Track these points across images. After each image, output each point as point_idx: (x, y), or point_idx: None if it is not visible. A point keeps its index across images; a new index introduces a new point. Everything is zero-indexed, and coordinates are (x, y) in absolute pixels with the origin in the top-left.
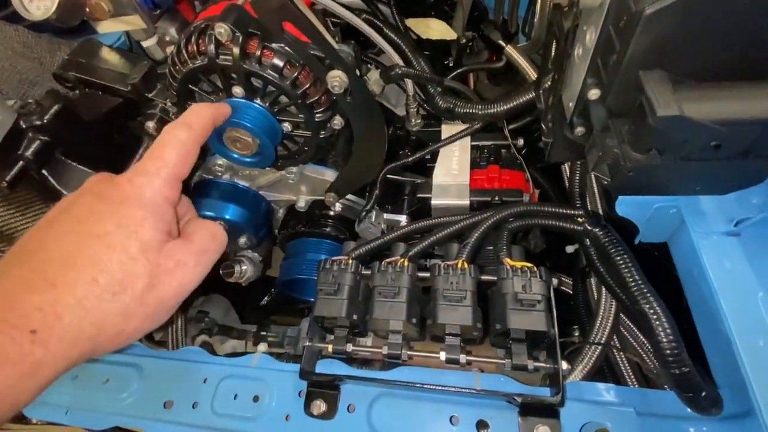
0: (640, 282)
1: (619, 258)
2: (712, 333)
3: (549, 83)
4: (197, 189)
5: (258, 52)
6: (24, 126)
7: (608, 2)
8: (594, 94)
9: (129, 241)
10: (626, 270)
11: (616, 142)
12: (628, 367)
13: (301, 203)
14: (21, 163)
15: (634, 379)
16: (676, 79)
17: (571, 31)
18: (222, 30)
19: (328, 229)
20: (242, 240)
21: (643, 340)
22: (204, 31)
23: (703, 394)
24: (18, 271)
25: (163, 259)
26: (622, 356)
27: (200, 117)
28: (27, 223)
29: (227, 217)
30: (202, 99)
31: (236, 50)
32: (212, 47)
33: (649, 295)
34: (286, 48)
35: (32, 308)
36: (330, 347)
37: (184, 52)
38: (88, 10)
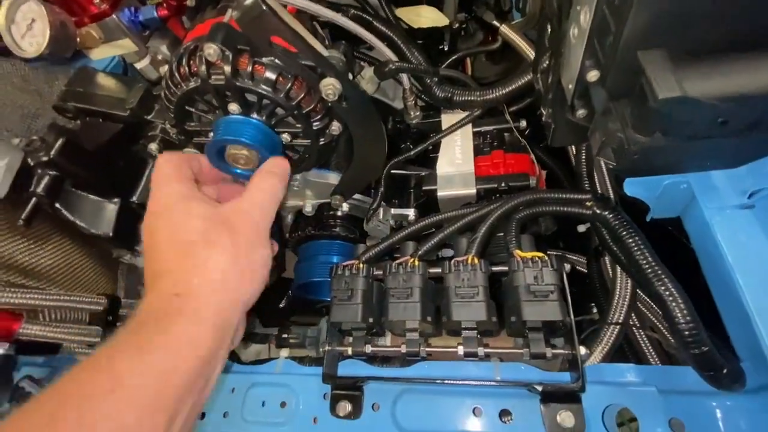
0: (653, 263)
1: (630, 240)
2: (731, 307)
3: (546, 65)
4: None
5: (249, 68)
6: (32, 163)
7: None
8: (593, 75)
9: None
10: (638, 252)
11: (619, 126)
12: (648, 345)
13: (308, 208)
14: (34, 199)
15: (655, 357)
16: (676, 56)
17: (564, 11)
18: (211, 50)
19: (337, 230)
20: None
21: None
22: (194, 52)
23: (725, 371)
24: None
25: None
26: (642, 334)
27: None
28: (48, 256)
29: None
30: (199, 119)
31: (227, 68)
32: (203, 68)
33: (663, 276)
34: (277, 61)
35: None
36: (349, 350)
37: (176, 75)
38: (79, 40)
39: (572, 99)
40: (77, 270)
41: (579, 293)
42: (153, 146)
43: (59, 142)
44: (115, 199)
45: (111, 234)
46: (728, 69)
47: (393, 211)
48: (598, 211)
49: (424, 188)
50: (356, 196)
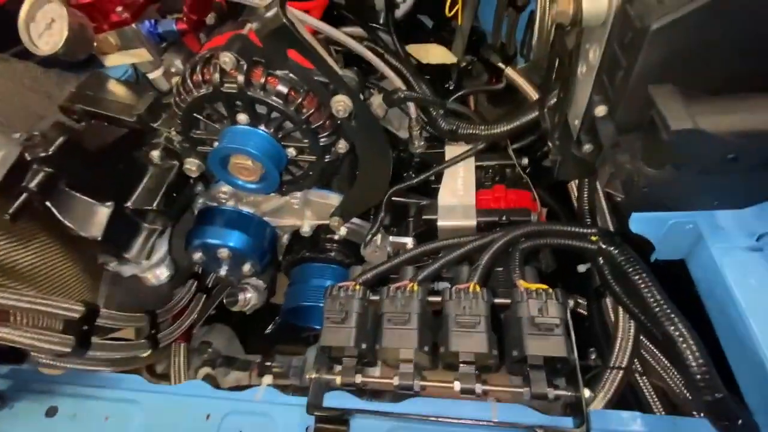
0: (662, 303)
1: (638, 277)
2: (743, 355)
3: (553, 102)
4: (201, 216)
5: (262, 80)
6: (29, 158)
7: (611, 20)
8: (601, 110)
9: None
10: (647, 290)
11: (629, 158)
12: (653, 393)
13: (306, 228)
14: (25, 195)
15: (660, 406)
16: (688, 93)
17: (574, 50)
18: (227, 59)
19: (333, 254)
20: (246, 267)
21: (667, 363)
22: (209, 61)
23: (740, 422)
24: None
25: None
26: (646, 381)
27: None
28: (30, 255)
29: (231, 244)
30: (206, 127)
31: (241, 78)
32: (217, 75)
33: (674, 316)
34: (290, 75)
35: None
36: (338, 379)
37: (189, 81)
38: (96, 44)
39: (578, 134)
40: (58, 273)
41: (578, 338)
42: (155, 153)
43: (60, 139)
44: (109, 203)
45: (100, 237)
46: (740, 106)
47: (391, 238)
48: (603, 246)
49: (424, 217)
50: (355, 220)
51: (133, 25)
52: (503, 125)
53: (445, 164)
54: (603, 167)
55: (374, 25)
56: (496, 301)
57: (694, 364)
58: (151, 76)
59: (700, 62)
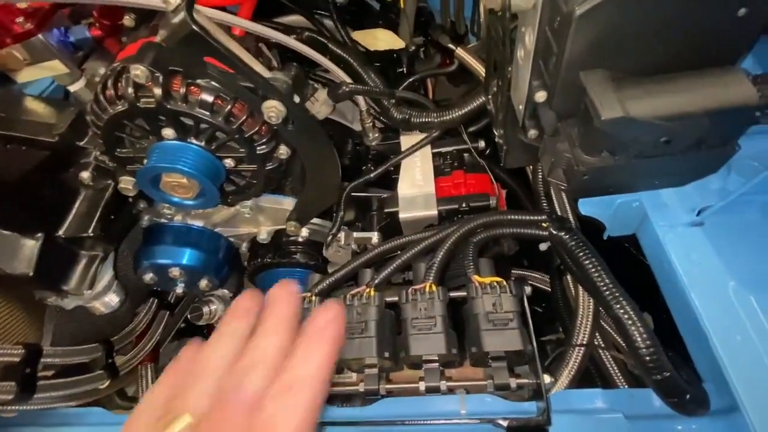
0: (611, 286)
1: (587, 262)
2: (690, 328)
3: (496, 87)
4: (148, 235)
5: (182, 90)
6: None
7: (540, 4)
8: (540, 96)
9: None
10: (596, 274)
11: (568, 146)
12: (614, 366)
13: (263, 235)
14: None
15: (622, 378)
16: (618, 77)
17: (508, 35)
18: (139, 72)
19: (297, 257)
20: (203, 283)
21: None
22: (121, 74)
23: (688, 396)
24: None
25: None
26: (608, 355)
27: (325, 359)
28: None
29: (183, 262)
30: (132, 144)
31: (158, 91)
32: (130, 90)
33: (621, 299)
34: (213, 83)
35: None
36: None
37: (102, 98)
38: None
39: (523, 120)
40: None
41: (545, 313)
42: (85, 174)
43: None
44: (38, 234)
45: (31, 274)
46: (668, 88)
47: (355, 234)
48: (554, 232)
49: (385, 210)
50: (315, 220)
51: (40, 36)
52: (455, 111)
53: (401, 155)
54: (544, 156)
55: (319, 12)
56: (453, 295)
57: (642, 345)
58: (72, 89)
59: (626, 45)
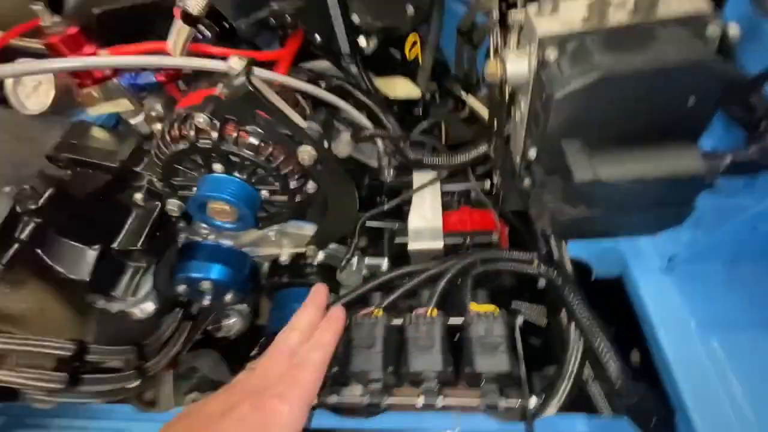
0: (589, 321)
1: (570, 298)
2: (659, 359)
3: (496, 141)
4: (183, 251)
5: (234, 135)
6: (20, 210)
7: (532, 81)
8: (533, 153)
9: None
10: (577, 309)
11: (552, 198)
12: (602, 395)
13: (284, 257)
14: (17, 245)
15: (608, 406)
16: (593, 146)
17: (505, 103)
18: (201, 119)
19: (312, 278)
20: (229, 296)
21: None
22: (186, 119)
23: (655, 419)
24: None
25: None
26: (596, 385)
27: (333, 337)
28: (22, 300)
29: (213, 276)
30: (185, 175)
31: (215, 135)
32: (192, 134)
33: (597, 333)
34: (259, 129)
35: None
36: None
37: (167, 137)
38: (79, 99)
39: (519, 170)
40: (49, 314)
41: (544, 346)
42: (138, 196)
43: (49, 191)
44: (96, 246)
45: (87, 279)
46: (633, 158)
47: (367, 260)
48: (542, 270)
49: (396, 240)
50: (331, 245)
51: (114, 80)
52: (463, 155)
53: (412, 191)
54: (533, 204)
55: (345, 59)
56: (452, 322)
57: (614, 375)
58: (132, 121)
59: (598, 123)
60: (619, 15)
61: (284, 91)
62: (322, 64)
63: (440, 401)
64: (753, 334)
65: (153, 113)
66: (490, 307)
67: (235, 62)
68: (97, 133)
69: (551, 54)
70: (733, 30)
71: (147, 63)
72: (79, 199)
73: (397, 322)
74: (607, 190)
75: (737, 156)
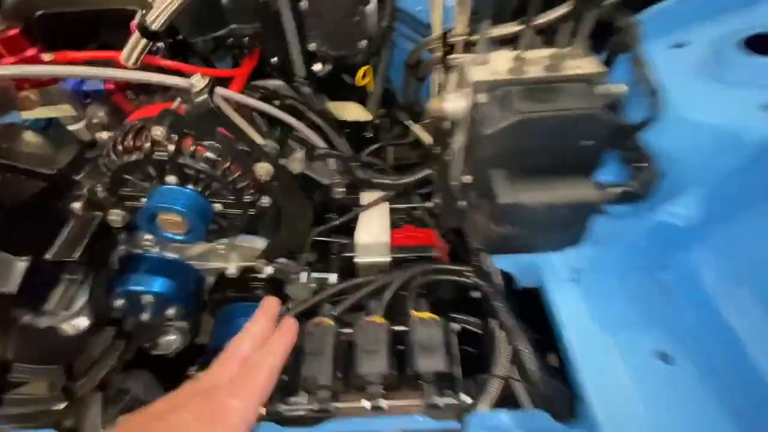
0: (512, 325)
1: (496, 304)
2: (567, 359)
3: (438, 166)
4: (124, 263)
5: (192, 149)
6: None
7: (467, 119)
8: (467, 179)
9: None
10: (504, 315)
11: (482, 218)
12: (526, 394)
13: (232, 270)
14: None
15: (531, 403)
16: (515, 175)
17: (447, 135)
18: (159, 132)
19: (259, 292)
20: (171, 311)
21: None
22: (141, 131)
23: (565, 409)
24: None
25: None
26: (521, 384)
27: (286, 347)
28: None
29: (155, 290)
30: (135, 186)
31: (171, 147)
32: (148, 145)
33: (520, 335)
34: (217, 144)
35: None
36: (263, 410)
37: (120, 146)
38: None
39: (456, 193)
40: None
41: (479, 355)
42: (77, 205)
43: None
44: (26, 257)
45: (15, 292)
46: (545, 186)
47: (315, 275)
48: (474, 280)
49: (344, 255)
50: (280, 259)
51: (58, 84)
52: (408, 177)
53: (361, 209)
54: (466, 223)
55: (298, 80)
56: (397, 329)
57: (533, 373)
58: (72, 128)
59: (517, 156)
60: (534, 70)
61: (241, 108)
62: (275, 83)
63: (384, 404)
64: (638, 331)
65: (95, 120)
66: (431, 315)
67: (198, 80)
68: (30, 137)
69: (482, 98)
70: (620, 89)
71: (108, 75)
72: (8, 207)
73: (346, 331)
74: (525, 211)
75: (623, 188)
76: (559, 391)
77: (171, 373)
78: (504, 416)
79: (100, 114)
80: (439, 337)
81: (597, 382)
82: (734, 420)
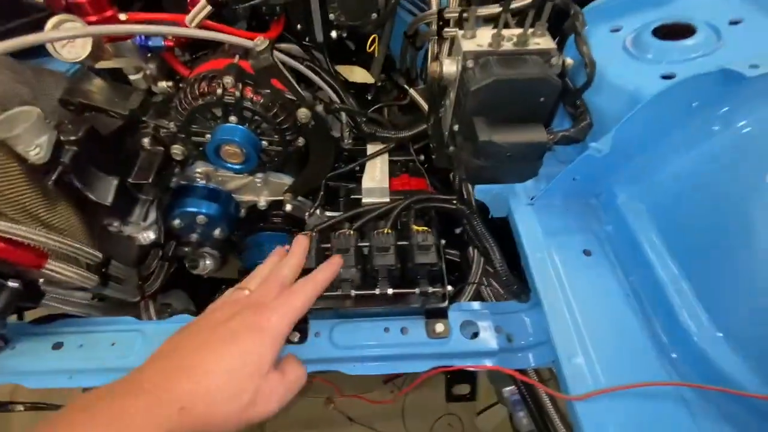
0: (486, 234)
1: (474, 222)
2: (523, 261)
3: (433, 119)
4: (179, 192)
5: (252, 96)
6: (63, 139)
7: (457, 79)
8: (456, 127)
9: (252, 365)
10: (478, 228)
11: (465, 155)
12: (491, 295)
13: (263, 203)
14: (60, 167)
15: (493, 299)
16: (491, 122)
17: (441, 92)
18: (228, 80)
19: (281, 224)
20: (217, 231)
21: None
22: (213, 79)
23: (523, 294)
24: (165, 363)
25: (264, 386)
26: (488, 289)
27: (327, 278)
28: (58, 215)
29: (205, 211)
30: (203, 124)
31: (238, 93)
32: (220, 90)
33: (490, 239)
34: (269, 93)
35: (183, 392)
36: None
37: (196, 90)
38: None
39: (447, 140)
40: (75, 230)
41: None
42: (146, 140)
43: (85, 126)
44: (115, 178)
45: (109, 204)
46: (512, 130)
47: (327, 213)
48: (458, 207)
49: (352, 197)
50: (299, 198)
51: (130, 41)
52: (407, 131)
53: (366, 158)
54: (455, 160)
55: (310, 45)
56: (400, 243)
57: (500, 268)
58: (132, 77)
59: (495, 107)
60: (507, 44)
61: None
62: (289, 46)
63: (390, 291)
64: (571, 236)
65: (148, 72)
66: (426, 228)
67: (260, 41)
68: (100, 84)
69: (470, 63)
70: (568, 61)
71: (191, 34)
72: (104, 138)
73: (363, 244)
74: (497, 148)
75: (565, 133)
76: (517, 284)
77: (198, 297)
78: (476, 304)
79: (151, 66)
80: (432, 240)
81: (541, 271)
82: (633, 295)
